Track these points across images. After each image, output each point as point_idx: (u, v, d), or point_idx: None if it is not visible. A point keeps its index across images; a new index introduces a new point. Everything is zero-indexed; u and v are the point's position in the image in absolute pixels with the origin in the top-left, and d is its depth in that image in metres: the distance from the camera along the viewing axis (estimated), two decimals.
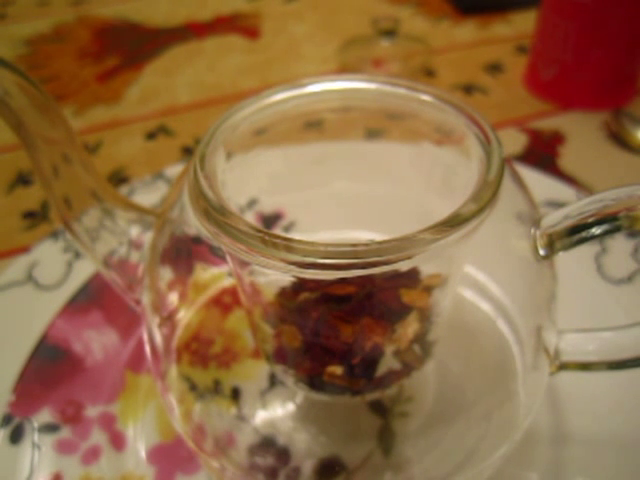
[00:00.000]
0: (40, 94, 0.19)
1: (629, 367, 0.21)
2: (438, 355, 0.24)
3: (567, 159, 0.40)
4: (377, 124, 0.25)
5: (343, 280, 0.19)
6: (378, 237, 0.16)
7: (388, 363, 0.22)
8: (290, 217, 0.32)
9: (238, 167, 0.22)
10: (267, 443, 0.24)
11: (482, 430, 0.23)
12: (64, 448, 0.25)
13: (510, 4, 0.59)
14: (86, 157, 0.22)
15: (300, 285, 0.21)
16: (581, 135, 0.42)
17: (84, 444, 0.25)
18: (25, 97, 0.19)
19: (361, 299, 0.20)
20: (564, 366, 0.22)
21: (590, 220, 0.18)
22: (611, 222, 0.18)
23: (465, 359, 0.26)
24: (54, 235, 0.34)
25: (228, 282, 0.26)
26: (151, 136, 0.46)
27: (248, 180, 0.24)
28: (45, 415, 0.26)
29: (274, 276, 0.21)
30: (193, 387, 0.24)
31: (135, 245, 0.23)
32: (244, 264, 0.20)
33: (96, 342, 0.29)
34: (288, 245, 0.16)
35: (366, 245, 0.16)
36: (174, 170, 0.38)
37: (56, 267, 0.32)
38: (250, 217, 0.29)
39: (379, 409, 0.24)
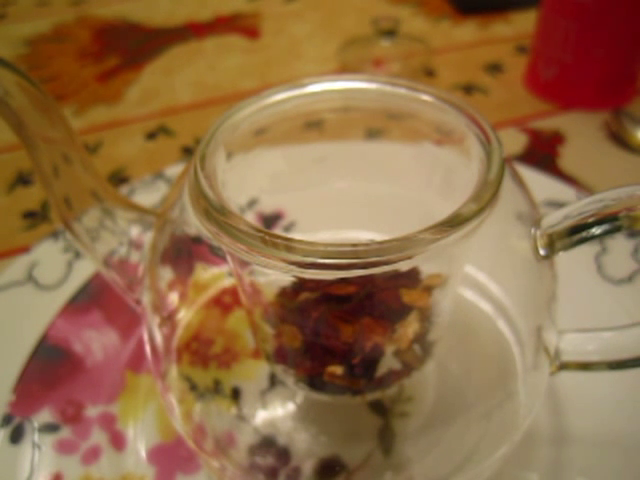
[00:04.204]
0: (40, 94, 0.19)
1: (629, 367, 0.21)
2: (438, 355, 0.24)
3: (567, 159, 0.40)
4: (377, 124, 0.25)
5: (343, 280, 0.19)
6: (378, 237, 0.16)
7: (388, 363, 0.22)
8: (290, 217, 0.32)
9: (238, 167, 0.22)
10: (267, 443, 0.24)
11: (482, 430, 0.23)
12: (64, 448, 0.25)
13: (510, 4, 0.59)
14: (86, 157, 0.22)
15: (300, 285, 0.21)
16: (581, 135, 0.42)
17: (84, 444, 0.25)
18: (25, 97, 0.19)
19: (361, 299, 0.20)
20: (564, 366, 0.22)
21: (590, 220, 0.18)
22: (611, 222, 0.18)
23: (465, 359, 0.26)
24: (54, 235, 0.34)
25: (228, 282, 0.26)
26: (151, 136, 0.46)
27: (248, 180, 0.24)
28: (45, 415, 0.26)
29: (274, 276, 0.21)
30: (193, 387, 0.24)
31: (135, 245, 0.23)
32: (244, 264, 0.20)
33: (96, 342, 0.29)
34: (288, 245, 0.16)
35: (366, 245, 0.16)
36: (174, 170, 0.38)
37: (56, 267, 0.32)
38: (250, 217, 0.29)
39: (379, 409, 0.24)
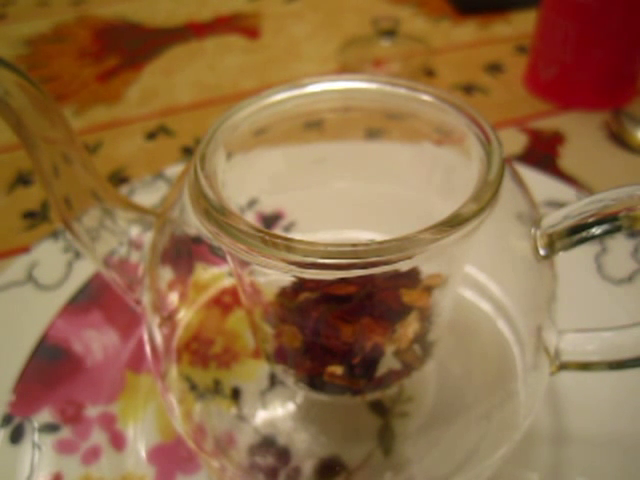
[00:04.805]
0: (40, 94, 0.19)
1: (629, 367, 0.21)
2: (438, 355, 0.24)
3: (567, 159, 0.40)
4: (377, 124, 0.25)
5: (343, 280, 0.19)
6: (378, 237, 0.16)
7: (388, 363, 0.22)
8: (290, 217, 0.32)
9: (238, 167, 0.22)
10: (267, 443, 0.24)
11: (482, 430, 0.23)
12: (64, 448, 0.25)
13: (510, 4, 0.59)
14: (86, 157, 0.22)
15: (300, 285, 0.21)
16: (581, 135, 0.42)
17: (84, 444, 0.25)
18: (25, 97, 0.19)
19: (361, 299, 0.20)
20: (564, 366, 0.22)
21: (590, 220, 0.18)
22: (611, 222, 0.18)
23: (465, 359, 0.26)
24: (54, 235, 0.34)
25: (228, 282, 0.26)
26: (151, 136, 0.46)
27: (248, 180, 0.24)
28: (45, 415, 0.26)
29: (274, 276, 0.21)
30: (193, 387, 0.24)
31: (135, 245, 0.23)
32: (244, 264, 0.20)
33: (96, 342, 0.29)
34: (288, 245, 0.16)
35: (366, 245, 0.16)
36: (174, 170, 0.38)
37: (56, 267, 0.32)
38: (250, 217, 0.29)
39: (379, 409, 0.24)
